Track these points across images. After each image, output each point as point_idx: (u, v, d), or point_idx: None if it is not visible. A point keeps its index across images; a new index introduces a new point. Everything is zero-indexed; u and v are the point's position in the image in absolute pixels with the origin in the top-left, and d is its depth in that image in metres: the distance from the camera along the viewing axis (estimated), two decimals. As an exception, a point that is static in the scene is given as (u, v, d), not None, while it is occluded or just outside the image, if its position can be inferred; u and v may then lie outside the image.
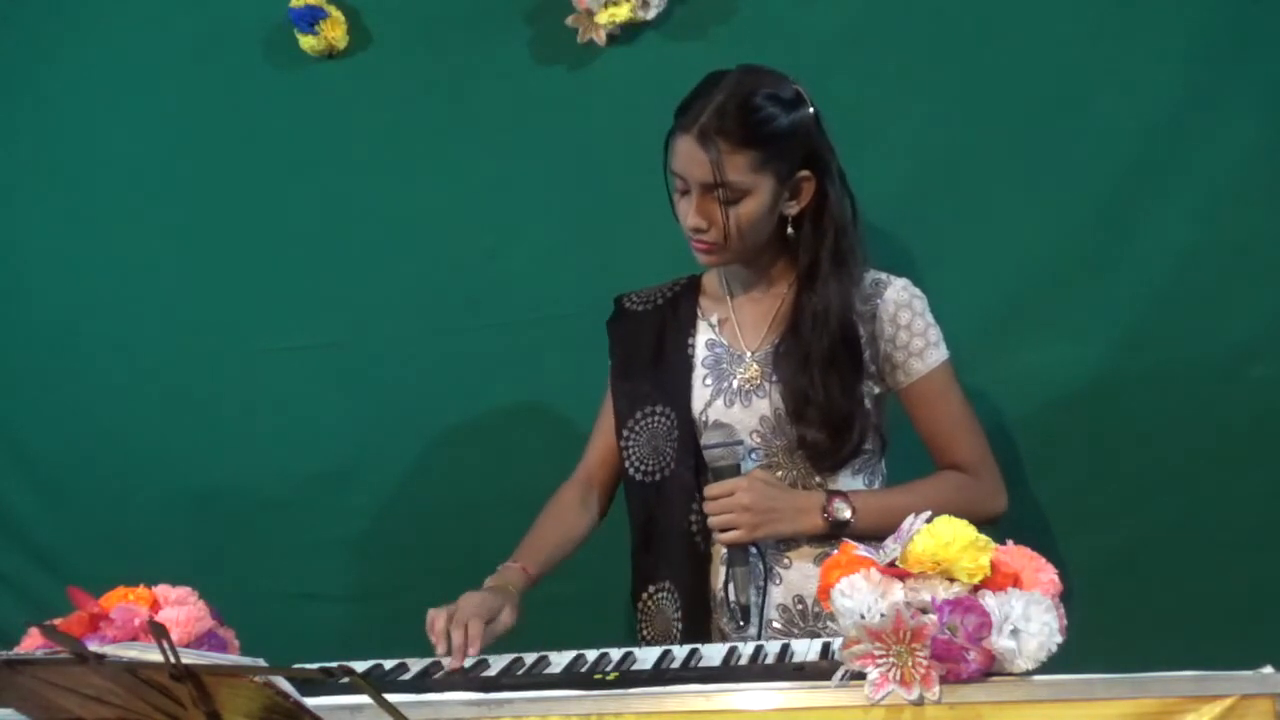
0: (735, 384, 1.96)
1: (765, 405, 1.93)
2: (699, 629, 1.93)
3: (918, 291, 1.96)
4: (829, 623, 1.85)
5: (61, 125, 2.73)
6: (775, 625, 1.91)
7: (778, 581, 1.92)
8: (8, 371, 2.77)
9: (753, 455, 1.93)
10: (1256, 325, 2.19)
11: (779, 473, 1.92)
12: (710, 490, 1.88)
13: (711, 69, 1.95)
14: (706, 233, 1.88)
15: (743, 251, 1.92)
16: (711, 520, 1.88)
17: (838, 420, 1.88)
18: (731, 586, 1.88)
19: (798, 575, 1.91)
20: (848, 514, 1.85)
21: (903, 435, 2.01)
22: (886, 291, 1.94)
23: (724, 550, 1.92)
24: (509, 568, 1.91)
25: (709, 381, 1.99)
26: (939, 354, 1.94)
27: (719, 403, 1.96)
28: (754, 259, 1.97)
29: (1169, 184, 2.21)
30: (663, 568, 1.98)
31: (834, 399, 1.88)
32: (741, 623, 1.88)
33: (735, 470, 1.88)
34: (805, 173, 1.90)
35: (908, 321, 1.92)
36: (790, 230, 1.92)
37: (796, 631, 1.90)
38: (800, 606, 1.90)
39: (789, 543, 1.91)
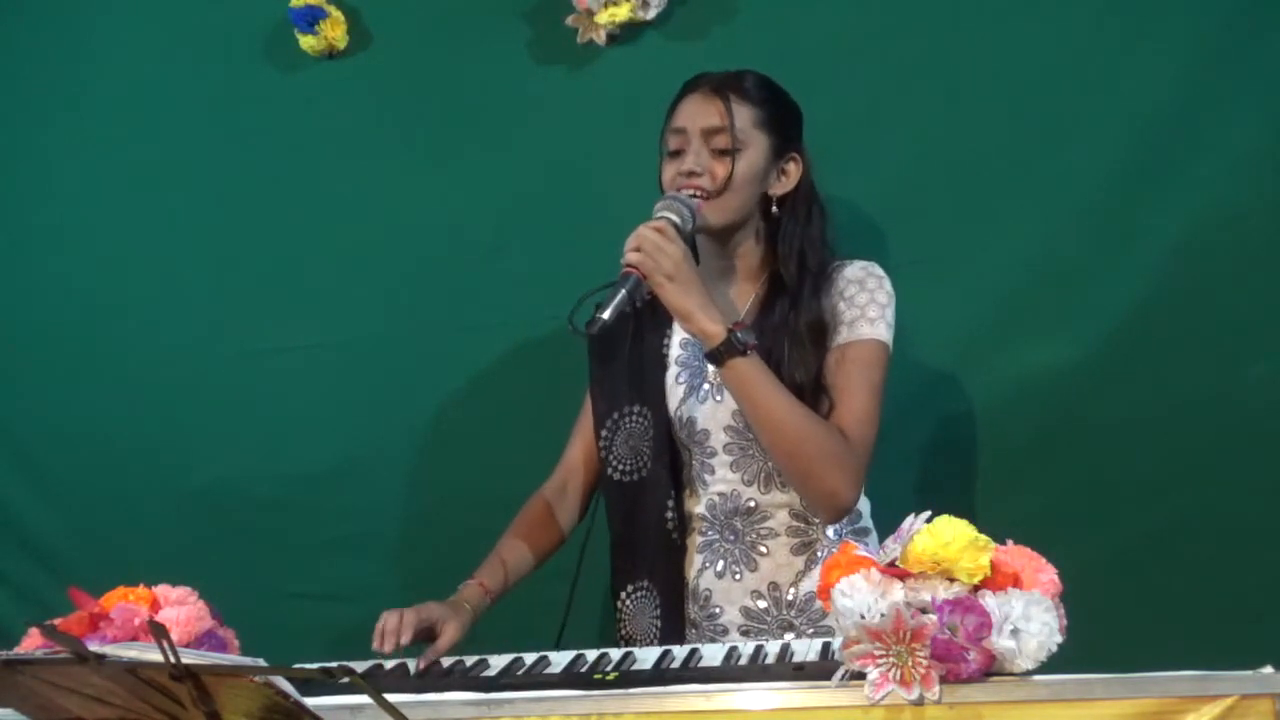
0: (708, 382, 1.97)
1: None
2: (676, 625, 1.95)
3: (879, 273, 1.96)
4: (801, 612, 1.91)
5: (61, 126, 2.73)
6: (752, 609, 1.93)
7: (753, 568, 1.94)
8: (7, 371, 2.77)
9: (725, 450, 1.95)
10: (1256, 325, 2.19)
11: (753, 465, 1.93)
12: (657, 224, 1.85)
13: (711, 69, 1.99)
14: (700, 178, 1.91)
15: (725, 210, 1.93)
16: (633, 237, 1.83)
17: (805, 395, 1.87)
18: (611, 302, 1.80)
19: (771, 564, 1.94)
20: (753, 340, 1.81)
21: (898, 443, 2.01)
22: (846, 269, 1.96)
23: (699, 541, 1.96)
24: (468, 585, 1.93)
25: (682, 379, 2.01)
26: (870, 331, 1.91)
27: (692, 400, 1.98)
28: (730, 238, 1.97)
29: (1168, 183, 2.21)
30: (641, 566, 2.00)
31: (808, 372, 1.88)
32: (587, 327, 1.79)
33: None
34: (793, 155, 1.97)
35: (852, 295, 1.93)
36: (775, 209, 1.96)
37: (769, 619, 1.93)
38: (775, 594, 1.93)
39: (768, 531, 1.94)
